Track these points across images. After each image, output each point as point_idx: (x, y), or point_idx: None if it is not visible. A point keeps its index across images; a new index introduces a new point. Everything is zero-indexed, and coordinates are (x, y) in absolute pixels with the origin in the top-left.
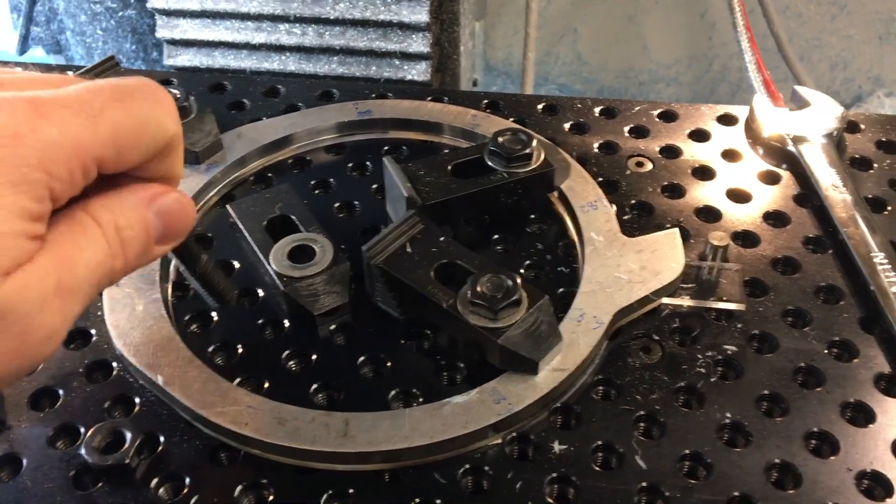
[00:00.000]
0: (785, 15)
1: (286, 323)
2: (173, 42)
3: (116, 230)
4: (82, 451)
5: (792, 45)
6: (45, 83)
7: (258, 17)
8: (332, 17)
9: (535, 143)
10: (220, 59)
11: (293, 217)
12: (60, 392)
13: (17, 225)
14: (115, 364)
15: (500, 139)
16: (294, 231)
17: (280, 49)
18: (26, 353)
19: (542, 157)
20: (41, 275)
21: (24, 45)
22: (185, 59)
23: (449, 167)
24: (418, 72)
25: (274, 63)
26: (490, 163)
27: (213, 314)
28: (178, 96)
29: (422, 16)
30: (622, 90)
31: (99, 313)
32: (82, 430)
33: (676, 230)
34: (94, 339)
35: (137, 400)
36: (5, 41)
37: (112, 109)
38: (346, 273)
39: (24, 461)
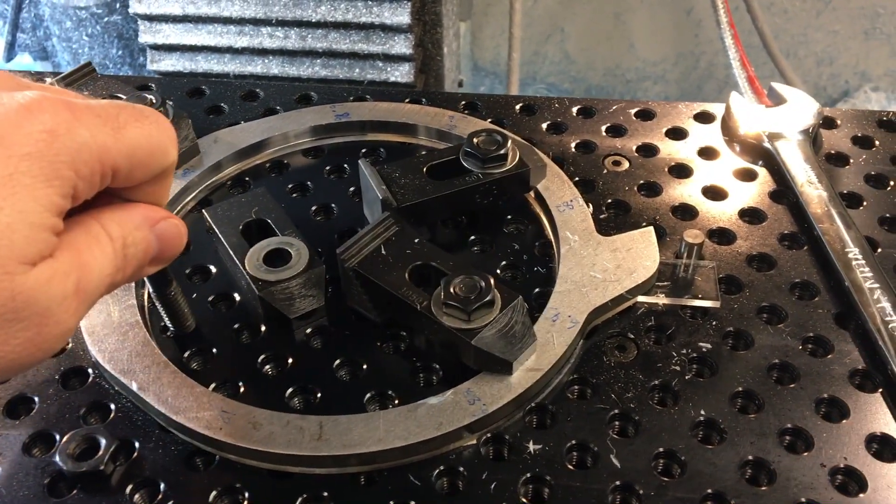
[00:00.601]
0: (770, 11)
1: (262, 327)
2: (156, 47)
3: (123, 245)
4: (57, 459)
5: (778, 41)
6: (70, 95)
7: (240, 21)
8: (314, 20)
9: (510, 143)
10: (203, 64)
11: (269, 221)
12: (36, 399)
13: (45, 218)
14: (90, 371)
15: (475, 140)
16: (270, 235)
17: (263, 52)
18: (41, 346)
19: (518, 157)
20: (64, 272)
21: (11, 52)
22: (169, 63)
23: (424, 169)
24: (401, 73)
25: (257, 66)
26: (465, 164)
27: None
28: (154, 101)
29: (404, 17)
30: (610, 88)
31: None
32: (57, 437)
33: (651, 228)
34: (70, 345)
35: (113, 406)
36: None
37: (132, 126)
38: (321, 276)
39: (0, 469)
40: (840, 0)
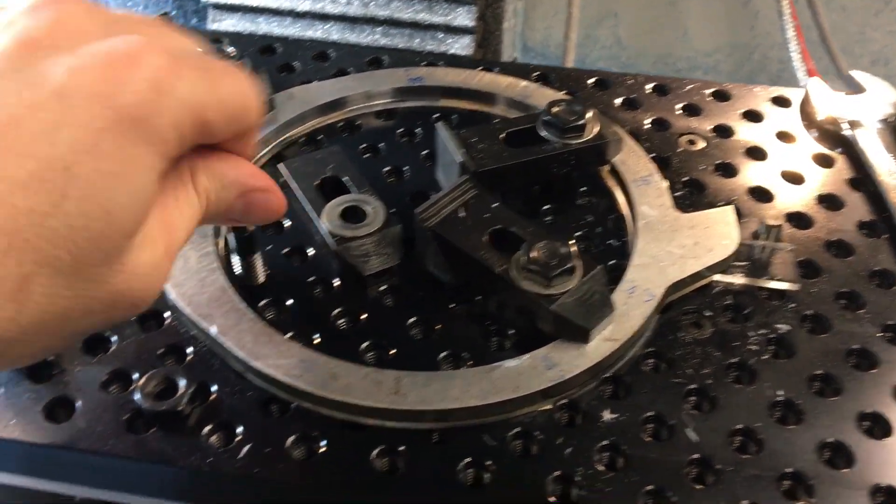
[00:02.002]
0: (828, 7)
1: (335, 282)
2: (218, 6)
3: (207, 201)
4: (136, 397)
5: (834, 37)
6: (168, 37)
7: None
8: None
9: (589, 114)
10: (263, 26)
11: (345, 178)
12: (113, 339)
13: (148, 185)
14: (167, 314)
15: (555, 109)
16: (345, 192)
17: (324, 17)
18: (135, 311)
19: (596, 129)
20: (153, 239)
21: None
22: (230, 23)
23: (502, 135)
24: (461, 46)
25: (317, 31)
26: (543, 133)
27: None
28: (233, 54)
29: None
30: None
31: None
32: (135, 376)
33: (731, 207)
34: None
35: (189, 350)
36: None
37: (226, 80)
38: (397, 235)
39: (78, 404)
40: None
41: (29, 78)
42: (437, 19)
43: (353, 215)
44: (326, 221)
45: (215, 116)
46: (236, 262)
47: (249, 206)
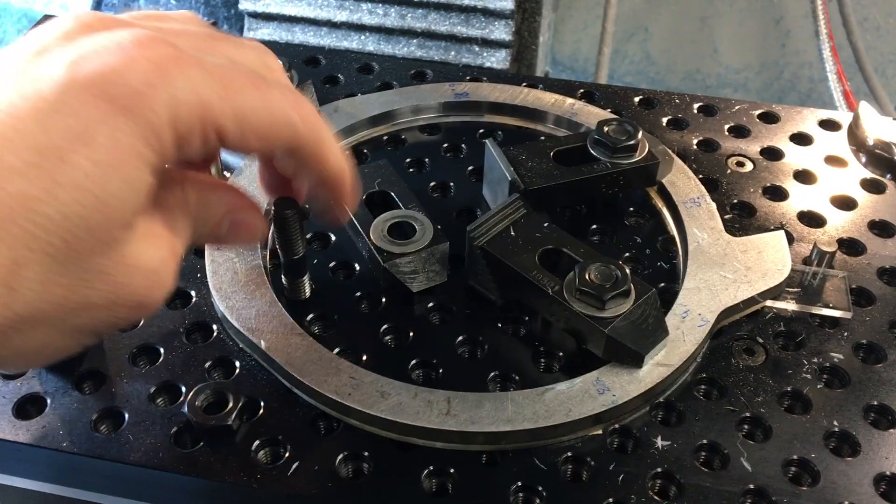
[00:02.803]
0: (862, 27)
1: (382, 298)
2: (255, 15)
3: (195, 219)
4: (185, 410)
5: (868, 58)
6: (188, 37)
7: None
8: (415, 0)
9: (640, 134)
10: (299, 35)
11: (392, 193)
12: (161, 350)
13: (141, 177)
14: (214, 326)
15: (606, 128)
16: (392, 207)
17: (360, 28)
18: (146, 311)
19: (647, 149)
20: (156, 237)
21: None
22: (265, 32)
23: (551, 153)
24: (497, 59)
25: (353, 42)
26: (593, 152)
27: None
28: (283, 66)
29: (507, 3)
30: (689, 93)
31: (199, 275)
32: (183, 388)
33: (783, 232)
34: (195, 299)
35: (237, 364)
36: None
37: (248, 90)
38: (445, 252)
39: (126, 415)
40: None
41: (32, 72)
42: (474, 32)
43: (400, 231)
44: (374, 237)
45: (230, 124)
46: (284, 278)
47: (235, 227)
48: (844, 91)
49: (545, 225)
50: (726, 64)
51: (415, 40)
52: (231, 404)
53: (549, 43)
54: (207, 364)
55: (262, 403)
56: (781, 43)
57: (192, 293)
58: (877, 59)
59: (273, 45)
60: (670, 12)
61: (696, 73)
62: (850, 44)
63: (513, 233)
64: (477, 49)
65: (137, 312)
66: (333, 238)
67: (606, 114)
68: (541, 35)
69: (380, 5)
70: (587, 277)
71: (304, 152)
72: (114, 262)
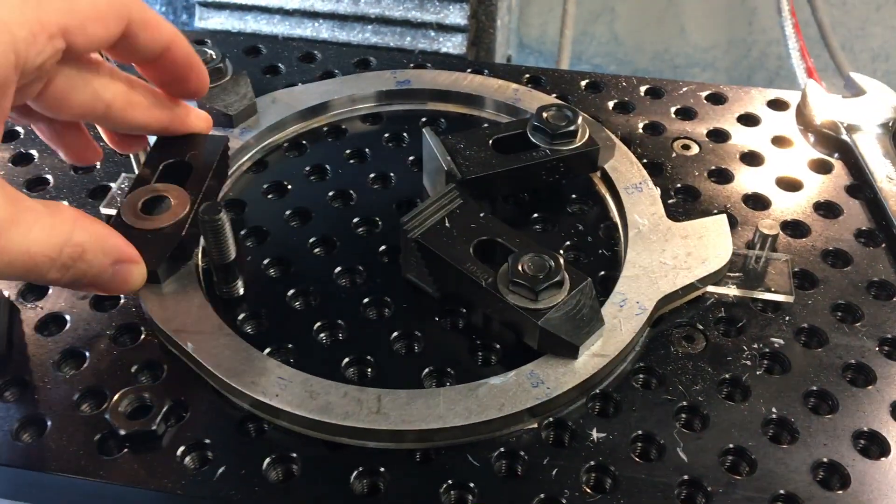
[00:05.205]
0: (829, 3)
1: (316, 295)
2: (205, 4)
3: (72, 246)
4: (108, 416)
5: (834, 33)
6: None
7: None
8: None
9: (580, 120)
10: (251, 24)
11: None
12: (87, 354)
13: None
14: (143, 328)
15: (545, 114)
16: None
17: (314, 15)
18: None
19: (587, 135)
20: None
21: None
22: (217, 21)
23: (490, 141)
24: (454, 44)
25: (307, 29)
26: (533, 139)
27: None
28: (214, 57)
29: None
30: (657, 73)
31: None
32: (108, 393)
33: (724, 216)
34: (123, 301)
35: (165, 366)
36: None
37: None
38: None
39: (49, 423)
40: None
41: None
42: (428, 17)
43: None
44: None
45: (67, 20)
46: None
47: (117, 276)
48: (807, 68)
49: (481, 215)
50: (694, 43)
51: (369, 26)
52: (155, 409)
53: (514, 26)
54: (134, 368)
55: (190, 407)
56: (748, 21)
57: (121, 295)
58: (843, 34)
59: (217, 35)
60: None
61: (664, 53)
62: (815, 19)
63: (448, 224)
64: (433, 34)
65: None
66: (268, 234)
67: (551, 99)
68: (499, 18)
69: None
70: (520, 268)
71: (137, 23)
72: None
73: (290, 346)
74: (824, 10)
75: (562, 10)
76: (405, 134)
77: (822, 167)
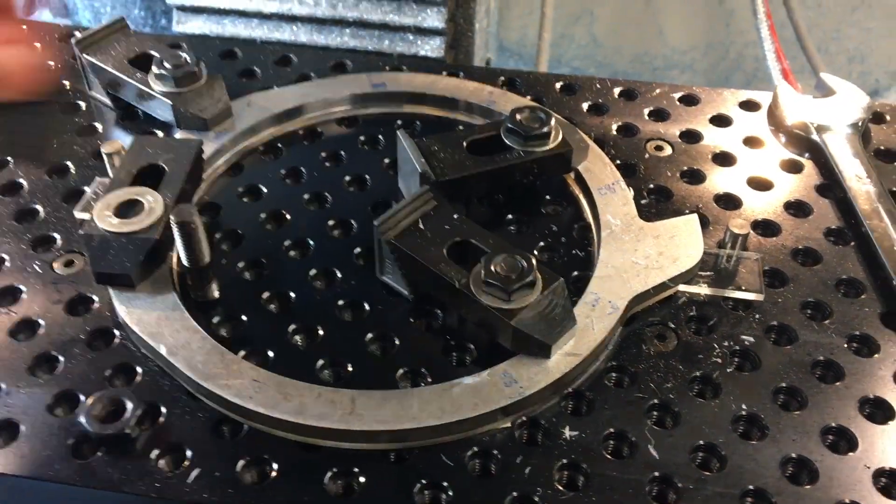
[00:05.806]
0: (805, 5)
1: (291, 297)
2: (183, 8)
3: None
4: (81, 420)
5: (810, 35)
6: None
7: None
8: None
9: (553, 121)
10: (229, 28)
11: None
12: (60, 358)
13: None
14: (116, 332)
15: (518, 117)
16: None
17: (291, 19)
18: None
19: (560, 136)
20: None
21: (31, 7)
22: (195, 25)
23: (464, 143)
24: (432, 48)
25: (285, 33)
26: (507, 140)
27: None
28: (188, 61)
29: None
30: (636, 75)
31: None
32: (82, 397)
33: (696, 216)
34: (96, 305)
35: (139, 370)
36: None
37: None
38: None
39: (22, 427)
40: None
41: None
42: (406, 21)
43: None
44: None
45: None
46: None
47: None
48: (783, 70)
49: (455, 217)
50: (672, 45)
51: (347, 30)
52: (129, 412)
53: (493, 30)
54: (108, 371)
55: (164, 410)
56: (726, 23)
57: (95, 298)
58: (819, 36)
59: (193, 39)
60: None
61: (643, 56)
62: (791, 21)
63: (422, 226)
64: (411, 37)
65: None
66: (243, 237)
67: (526, 101)
68: (477, 22)
69: None
70: (493, 269)
71: None
72: None
73: (264, 348)
74: (800, 12)
75: (540, 14)
76: (381, 137)
77: (792, 167)
